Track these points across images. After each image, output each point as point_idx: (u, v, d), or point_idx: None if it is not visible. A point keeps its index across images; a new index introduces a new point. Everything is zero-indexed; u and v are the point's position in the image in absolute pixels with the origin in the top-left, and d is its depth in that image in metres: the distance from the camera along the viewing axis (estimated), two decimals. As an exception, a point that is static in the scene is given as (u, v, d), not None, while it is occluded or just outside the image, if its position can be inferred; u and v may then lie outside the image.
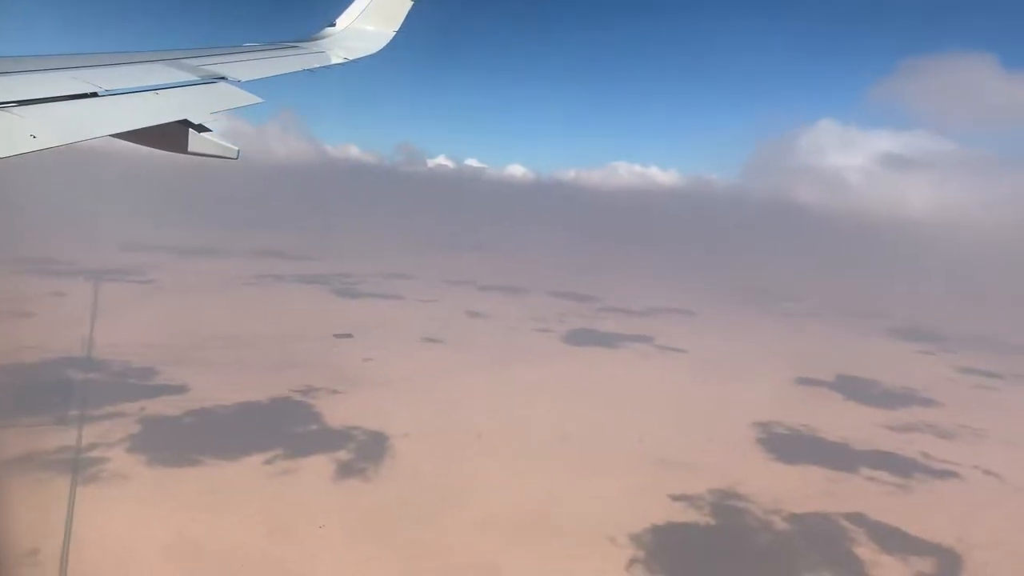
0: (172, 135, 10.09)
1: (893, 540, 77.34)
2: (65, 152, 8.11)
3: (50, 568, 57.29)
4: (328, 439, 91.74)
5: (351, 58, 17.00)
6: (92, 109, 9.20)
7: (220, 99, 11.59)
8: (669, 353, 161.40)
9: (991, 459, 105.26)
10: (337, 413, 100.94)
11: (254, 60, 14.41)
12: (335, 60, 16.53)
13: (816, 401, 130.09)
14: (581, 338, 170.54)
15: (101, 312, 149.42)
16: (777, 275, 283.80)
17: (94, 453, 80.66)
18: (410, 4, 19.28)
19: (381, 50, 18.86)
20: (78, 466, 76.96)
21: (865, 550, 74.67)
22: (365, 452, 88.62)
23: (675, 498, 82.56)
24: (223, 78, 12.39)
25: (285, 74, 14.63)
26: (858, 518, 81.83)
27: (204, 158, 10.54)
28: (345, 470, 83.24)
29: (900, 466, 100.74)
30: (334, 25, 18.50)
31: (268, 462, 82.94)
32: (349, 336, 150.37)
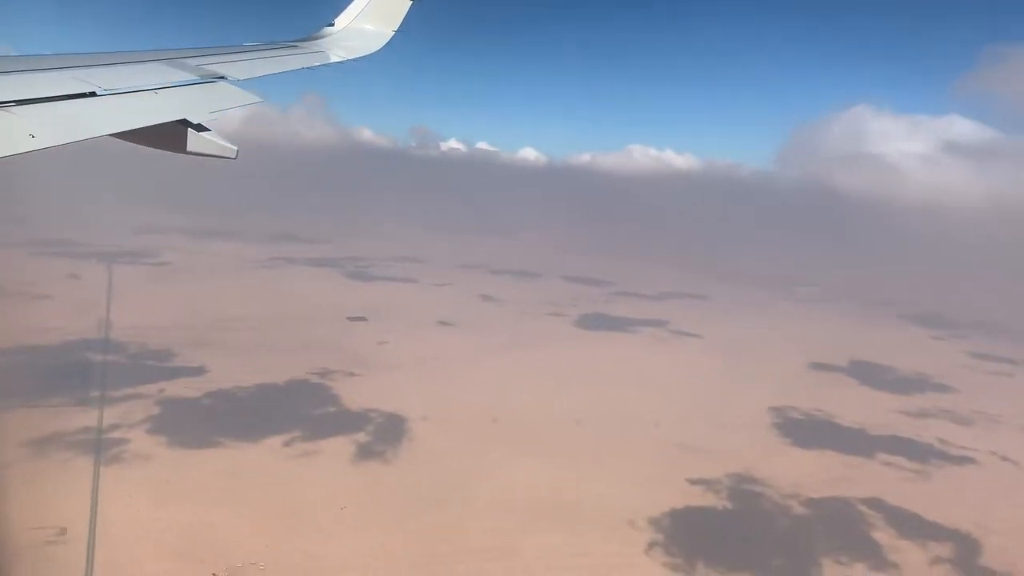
0: (171, 134, 10.10)
1: (911, 525, 77.42)
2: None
3: (78, 547, 57.98)
4: (346, 421, 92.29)
5: (350, 58, 17.02)
6: (91, 108, 9.24)
7: (219, 99, 11.62)
8: (683, 338, 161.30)
9: (1008, 445, 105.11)
10: (354, 395, 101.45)
11: (253, 60, 14.45)
12: (334, 59, 16.59)
13: (831, 386, 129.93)
14: (594, 322, 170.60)
15: (116, 294, 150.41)
16: (794, 261, 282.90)
17: (115, 434, 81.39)
18: (409, 4, 19.21)
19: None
20: (101, 447, 77.73)
21: (883, 535, 74.77)
22: (383, 435, 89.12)
23: (693, 482, 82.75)
24: (222, 77, 12.42)
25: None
26: (876, 503, 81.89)
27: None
28: (364, 452, 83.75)
29: (917, 451, 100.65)
30: (333, 25, 18.50)
31: (287, 444, 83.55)
32: (363, 319, 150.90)
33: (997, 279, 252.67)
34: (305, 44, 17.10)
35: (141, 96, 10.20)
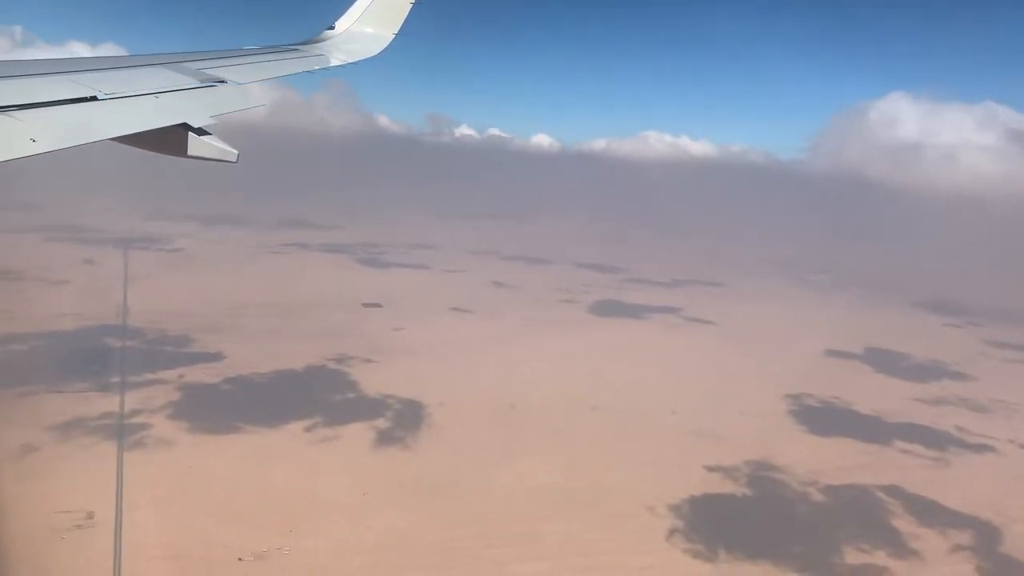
0: (171, 138, 10.12)
1: (931, 513, 77.34)
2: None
3: (106, 530, 58.60)
4: (366, 407, 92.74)
5: (350, 61, 16.98)
6: (92, 113, 9.28)
7: (219, 102, 11.62)
8: (698, 325, 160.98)
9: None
10: (372, 381, 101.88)
11: (253, 63, 14.46)
12: (334, 63, 16.57)
13: (847, 373, 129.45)
14: (607, 309, 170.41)
15: (132, 280, 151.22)
16: (811, 249, 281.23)
17: (137, 419, 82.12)
18: (409, 6, 19.09)
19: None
20: (123, 432, 78.39)
21: (903, 522, 74.73)
22: (402, 420, 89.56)
23: (711, 469, 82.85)
24: (222, 81, 12.42)
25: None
26: (894, 490, 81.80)
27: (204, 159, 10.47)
28: (384, 438, 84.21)
29: (934, 439, 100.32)
30: (333, 28, 18.42)
31: (308, 429, 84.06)
32: (378, 306, 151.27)
33: (1016, 268, 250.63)
34: (306, 47, 17.12)
35: (142, 100, 10.27)
